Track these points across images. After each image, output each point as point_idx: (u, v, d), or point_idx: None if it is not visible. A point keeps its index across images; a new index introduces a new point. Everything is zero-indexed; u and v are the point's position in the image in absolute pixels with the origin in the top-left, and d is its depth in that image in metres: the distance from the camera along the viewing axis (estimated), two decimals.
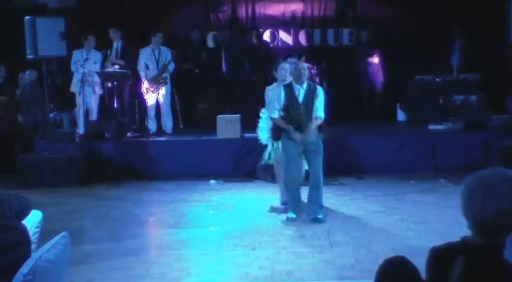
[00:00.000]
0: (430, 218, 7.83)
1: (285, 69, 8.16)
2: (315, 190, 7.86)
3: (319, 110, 7.75)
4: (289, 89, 7.78)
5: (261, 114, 8.57)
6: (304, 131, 7.68)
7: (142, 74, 12.73)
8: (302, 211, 7.95)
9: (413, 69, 13.45)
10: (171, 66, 12.84)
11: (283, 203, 8.35)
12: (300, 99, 7.73)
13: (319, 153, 7.80)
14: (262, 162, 9.51)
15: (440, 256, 2.63)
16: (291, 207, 7.97)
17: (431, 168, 10.96)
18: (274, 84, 8.38)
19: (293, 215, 7.89)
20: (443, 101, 12.73)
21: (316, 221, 7.72)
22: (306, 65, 8.06)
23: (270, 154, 8.80)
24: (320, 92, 7.83)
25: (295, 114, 7.74)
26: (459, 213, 2.63)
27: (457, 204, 2.67)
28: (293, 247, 6.74)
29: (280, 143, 8.09)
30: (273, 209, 8.43)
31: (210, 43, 14.75)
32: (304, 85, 7.76)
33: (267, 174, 10.00)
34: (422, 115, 12.74)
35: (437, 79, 12.87)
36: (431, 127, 11.90)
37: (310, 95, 7.74)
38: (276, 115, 7.83)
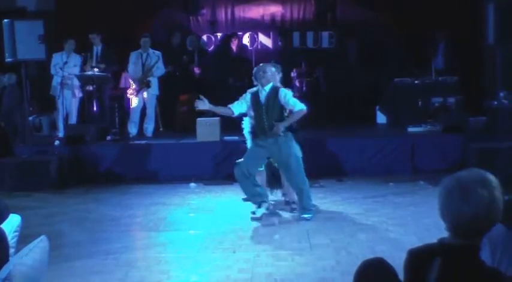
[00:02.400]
0: (409, 219, 7.85)
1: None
2: (297, 195, 8.00)
3: (294, 105, 7.73)
4: (255, 91, 7.94)
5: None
6: (267, 133, 7.76)
7: (129, 76, 12.86)
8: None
9: (393, 71, 13.50)
10: (159, 70, 12.78)
11: (287, 202, 8.56)
12: (262, 100, 7.82)
13: (290, 160, 7.79)
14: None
15: (418, 257, 2.65)
16: (249, 200, 8.06)
17: (411, 170, 10.98)
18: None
19: (258, 209, 7.94)
20: (422, 104, 12.78)
21: (304, 219, 7.87)
22: (269, 67, 8.01)
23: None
24: (282, 91, 7.81)
25: (257, 115, 7.90)
26: (438, 215, 2.65)
27: (435, 206, 2.68)
28: (273, 250, 6.74)
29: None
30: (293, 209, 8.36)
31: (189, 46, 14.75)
32: (267, 87, 7.82)
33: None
34: (401, 117, 12.80)
35: (416, 81, 12.92)
36: (411, 129, 11.94)
37: (272, 96, 7.78)
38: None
